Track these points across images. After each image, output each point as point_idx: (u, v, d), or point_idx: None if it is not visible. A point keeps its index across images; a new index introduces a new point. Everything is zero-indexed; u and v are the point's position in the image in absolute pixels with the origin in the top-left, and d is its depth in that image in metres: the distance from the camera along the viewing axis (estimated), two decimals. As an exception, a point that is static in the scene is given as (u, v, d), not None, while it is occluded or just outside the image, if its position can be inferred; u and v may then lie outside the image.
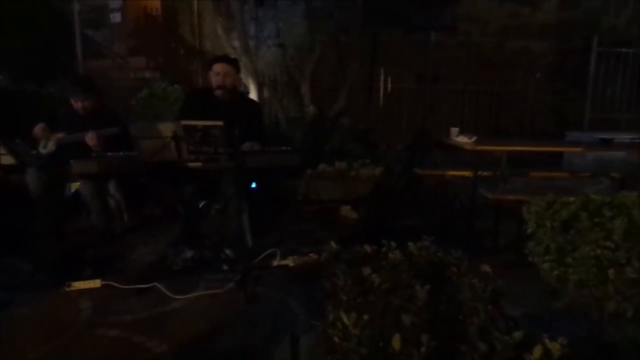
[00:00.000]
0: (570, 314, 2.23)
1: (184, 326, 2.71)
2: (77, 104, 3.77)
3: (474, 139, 4.13)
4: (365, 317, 1.18)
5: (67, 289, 3.06)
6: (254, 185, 3.77)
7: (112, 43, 9.25)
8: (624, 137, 6.32)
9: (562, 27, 8.06)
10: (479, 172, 4.02)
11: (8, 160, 3.59)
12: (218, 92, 3.56)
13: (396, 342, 1.10)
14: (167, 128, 2.90)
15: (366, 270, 1.50)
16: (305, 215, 4.77)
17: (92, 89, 3.85)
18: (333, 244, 1.66)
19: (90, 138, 3.53)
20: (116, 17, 9.48)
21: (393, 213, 4.65)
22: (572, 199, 2.21)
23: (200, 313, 2.85)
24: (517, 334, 1.12)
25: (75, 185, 3.82)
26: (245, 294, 2.99)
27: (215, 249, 3.41)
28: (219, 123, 2.89)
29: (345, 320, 1.17)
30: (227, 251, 3.43)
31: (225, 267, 3.36)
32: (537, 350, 1.07)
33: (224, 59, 3.71)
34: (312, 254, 3.46)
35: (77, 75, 6.21)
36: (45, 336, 2.55)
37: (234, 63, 3.69)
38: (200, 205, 3.68)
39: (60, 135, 3.67)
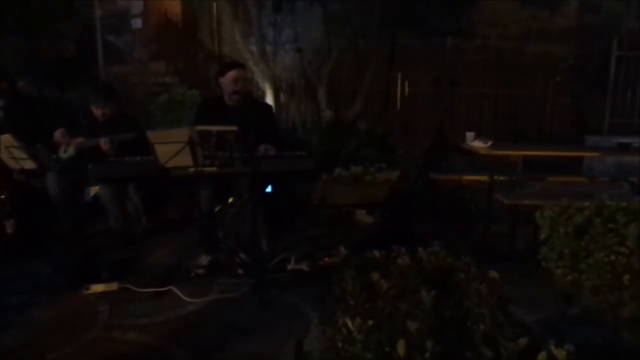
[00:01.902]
0: (585, 320, 2.21)
1: (199, 330, 2.75)
2: (98, 111, 3.84)
3: (489, 143, 4.11)
4: (370, 322, 1.19)
5: (85, 291, 3.12)
6: (269, 189, 3.79)
7: (133, 48, 9.38)
8: (645, 141, 6.22)
9: (583, 31, 7.95)
10: (495, 177, 3.99)
11: (29, 164, 3.68)
12: (235, 98, 3.59)
13: (401, 348, 1.11)
14: (182, 133, 2.95)
15: (375, 276, 1.51)
16: (320, 220, 4.78)
17: (113, 97, 3.92)
18: (342, 248, 1.67)
19: (103, 143, 3.60)
20: (137, 23, 9.60)
21: (409, 218, 4.63)
22: (586, 204, 2.18)
23: (215, 317, 2.88)
24: (523, 341, 1.12)
25: (94, 189, 3.89)
26: (259, 298, 3.02)
27: (230, 253, 3.44)
28: (233, 128, 2.92)
29: (350, 325, 1.19)
30: (242, 255, 3.46)
31: (240, 271, 3.39)
32: (542, 357, 1.07)
33: (237, 65, 3.75)
34: (326, 259, 3.47)
35: (99, 83, 6.32)
36: (62, 338, 2.61)
37: (245, 68, 3.76)
38: (216, 210, 3.71)
39: (80, 140, 3.74)
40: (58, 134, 3.76)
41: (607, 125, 7.41)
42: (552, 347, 1.10)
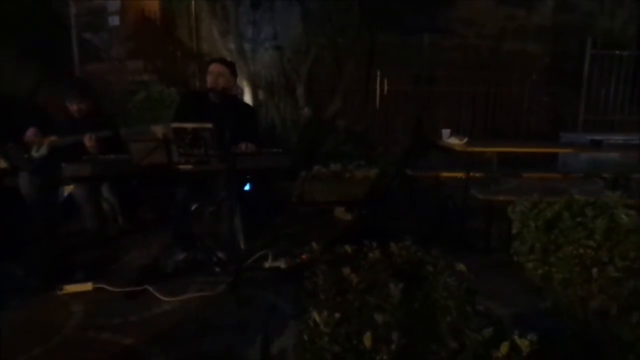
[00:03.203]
0: (555, 313, 2.24)
1: (174, 328, 2.72)
2: (73, 107, 3.79)
3: (465, 140, 4.15)
4: (337, 315, 1.20)
5: (58, 292, 3.07)
6: (247, 187, 3.78)
7: (110, 46, 9.24)
8: (617, 138, 6.36)
9: (558, 30, 8.08)
10: (471, 174, 4.03)
11: (1, 164, 3.61)
12: (211, 94, 3.57)
13: (367, 340, 1.12)
14: (156, 131, 2.92)
15: (346, 270, 1.52)
16: (299, 217, 4.78)
17: (88, 92, 3.87)
18: (314, 244, 1.67)
19: (89, 139, 3.55)
20: (114, 20, 9.46)
21: (387, 214, 4.66)
22: (556, 199, 2.22)
23: (191, 315, 2.86)
24: (487, 331, 1.13)
25: (68, 189, 3.83)
26: (236, 296, 3.00)
27: (207, 251, 3.42)
28: (208, 125, 2.90)
29: (317, 318, 1.19)
30: (219, 253, 3.44)
31: (217, 269, 3.37)
32: (504, 347, 1.08)
33: (220, 60, 3.74)
34: (304, 256, 3.47)
35: (73, 78, 6.23)
36: (36, 340, 2.56)
37: (230, 65, 3.71)
38: (193, 208, 3.69)
39: (53, 138, 3.68)
40: (30, 132, 3.69)
41: (582, 122, 7.54)
42: (516, 337, 1.12)
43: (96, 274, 3.30)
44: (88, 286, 3.14)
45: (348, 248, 1.64)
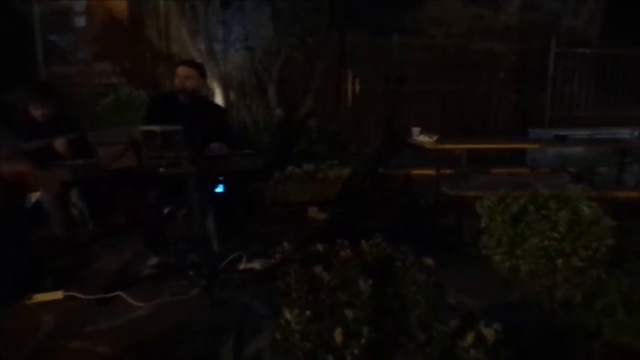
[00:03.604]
0: (523, 304, 2.31)
1: (148, 334, 2.69)
2: (37, 112, 3.72)
3: (435, 138, 4.21)
4: (309, 313, 1.21)
5: (27, 301, 3.01)
6: (220, 189, 3.76)
7: (77, 48, 9.06)
8: (581, 133, 6.54)
9: (524, 29, 8.25)
10: (442, 171, 4.10)
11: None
12: (182, 96, 3.55)
13: (338, 336, 1.14)
14: (125, 134, 2.88)
15: (318, 269, 1.53)
16: (272, 218, 4.78)
17: (52, 96, 3.80)
18: (286, 244, 1.68)
19: (60, 144, 3.49)
20: (81, 21, 9.26)
21: (360, 213, 4.70)
22: (522, 193, 2.28)
23: (165, 320, 2.83)
24: (453, 323, 1.16)
25: (35, 195, 3.75)
26: (211, 299, 2.99)
27: (180, 255, 3.40)
28: (178, 127, 2.88)
29: (289, 317, 1.20)
30: (193, 256, 3.42)
31: (190, 272, 3.34)
32: (470, 337, 1.11)
33: (188, 62, 3.71)
34: (278, 257, 3.46)
35: (37, 83, 6.10)
36: (3, 351, 2.50)
37: (198, 67, 3.68)
38: (166, 211, 3.65)
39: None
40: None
41: (548, 118, 7.72)
42: (481, 327, 1.15)
43: (67, 281, 3.23)
44: (58, 294, 3.08)
45: (320, 247, 1.65)
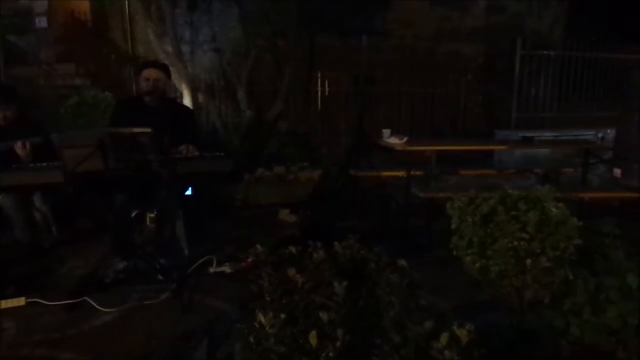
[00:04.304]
0: (494, 304, 2.34)
1: (116, 340, 2.63)
2: (-2, 115, 3.59)
3: (404, 139, 4.24)
4: (283, 316, 1.20)
5: (-12, 308, 2.90)
6: (189, 191, 3.70)
7: (38, 49, 8.82)
8: (547, 135, 6.71)
9: (491, 31, 8.40)
10: (412, 172, 4.13)
11: None
12: (147, 99, 3.48)
13: (313, 338, 1.12)
14: (92, 136, 2.81)
15: (291, 271, 1.52)
16: (243, 221, 4.74)
17: (12, 98, 3.68)
18: (259, 246, 1.66)
19: (20, 147, 3.38)
20: (42, 22, 9.02)
21: (331, 215, 4.69)
22: (491, 194, 2.31)
23: (133, 325, 2.78)
24: (428, 324, 1.17)
25: (-5, 199, 3.63)
26: (181, 303, 2.94)
27: (148, 259, 3.33)
28: (147, 130, 2.83)
29: (263, 320, 1.19)
30: (162, 260, 3.35)
31: (160, 276, 3.28)
32: (444, 338, 1.12)
33: (154, 64, 3.66)
34: (249, 259, 3.43)
35: (-3, 84, 5.91)
36: (-38, 360, 2.41)
37: (164, 68, 3.63)
38: (133, 214, 3.58)
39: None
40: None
41: (514, 120, 7.87)
42: (455, 328, 1.16)
43: (30, 287, 3.13)
44: (21, 301, 2.98)
45: (293, 249, 1.64)
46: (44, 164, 3.08)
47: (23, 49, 8.36)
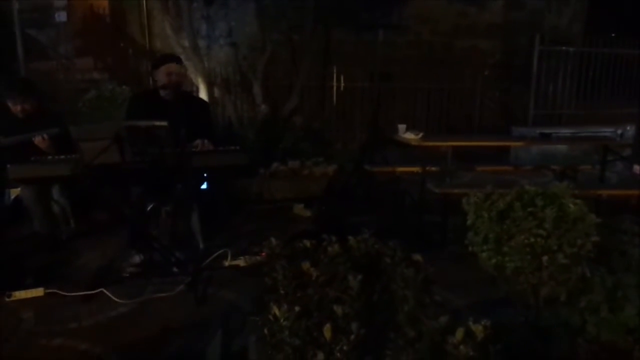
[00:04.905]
0: (509, 301, 2.32)
1: (131, 331, 2.66)
2: (17, 107, 3.64)
3: (420, 135, 4.22)
4: (297, 309, 1.20)
5: (7, 299, 2.95)
6: (204, 185, 3.73)
7: (57, 43, 8.92)
8: (565, 131, 6.62)
9: (509, 27, 8.31)
10: (427, 168, 4.11)
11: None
12: (165, 92, 3.51)
13: (327, 332, 1.13)
14: (109, 130, 2.84)
15: (305, 265, 1.52)
16: (258, 215, 4.75)
17: (31, 91, 3.72)
18: (273, 240, 1.67)
19: (41, 140, 3.43)
20: (61, 17, 9.12)
21: (345, 210, 4.69)
22: (508, 190, 2.29)
23: (148, 317, 2.81)
24: (443, 319, 1.16)
25: (15, 191, 3.69)
26: (195, 296, 2.96)
27: (164, 252, 3.36)
28: (163, 123, 2.84)
29: (277, 313, 1.19)
30: (177, 253, 3.38)
31: (175, 269, 3.31)
32: (459, 333, 1.11)
33: (174, 58, 3.67)
34: (263, 253, 3.44)
35: (14, 78, 5.97)
36: (-18, 349, 2.46)
37: (182, 62, 3.66)
38: (149, 208, 3.61)
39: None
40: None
41: (532, 116, 7.78)
42: (470, 324, 1.15)
43: (48, 278, 3.19)
44: (39, 291, 3.03)
45: (307, 243, 1.64)
46: (62, 156, 3.11)
47: (42, 43, 8.47)
